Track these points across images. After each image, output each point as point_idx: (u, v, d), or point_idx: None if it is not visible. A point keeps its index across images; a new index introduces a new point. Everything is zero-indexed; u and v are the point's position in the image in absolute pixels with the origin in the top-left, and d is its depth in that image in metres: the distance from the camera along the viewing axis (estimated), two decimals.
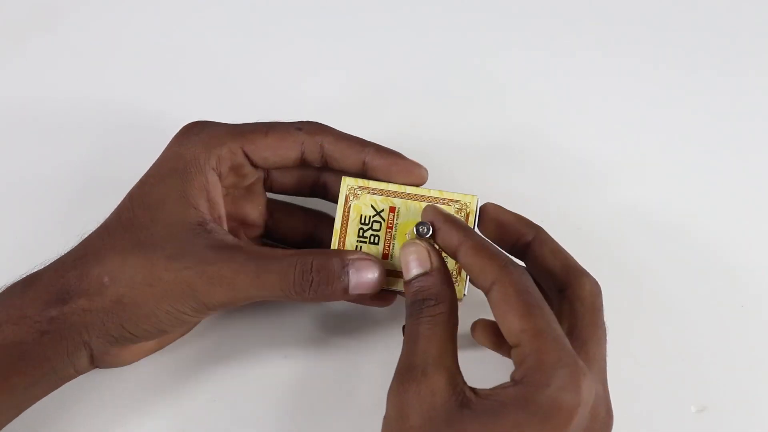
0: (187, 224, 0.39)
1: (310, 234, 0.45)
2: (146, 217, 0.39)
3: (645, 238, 0.49)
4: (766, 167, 0.51)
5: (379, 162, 0.41)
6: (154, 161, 0.41)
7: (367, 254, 0.40)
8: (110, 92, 0.53)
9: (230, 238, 0.39)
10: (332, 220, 0.42)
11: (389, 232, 0.41)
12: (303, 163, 0.41)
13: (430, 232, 0.39)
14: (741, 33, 0.54)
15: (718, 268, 0.48)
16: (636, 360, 0.46)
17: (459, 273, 0.41)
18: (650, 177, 0.50)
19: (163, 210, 0.39)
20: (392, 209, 0.41)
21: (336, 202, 0.42)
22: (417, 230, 0.39)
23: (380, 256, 0.41)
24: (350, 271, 0.38)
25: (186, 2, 0.56)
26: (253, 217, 0.44)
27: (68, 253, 0.40)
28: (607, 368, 0.38)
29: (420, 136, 0.50)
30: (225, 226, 0.41)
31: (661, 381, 0.46)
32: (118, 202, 0.41)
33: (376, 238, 0.41)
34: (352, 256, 0.39)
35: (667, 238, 0.49)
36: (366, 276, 0.39)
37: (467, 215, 0.41)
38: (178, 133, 0.41)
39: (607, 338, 0.39)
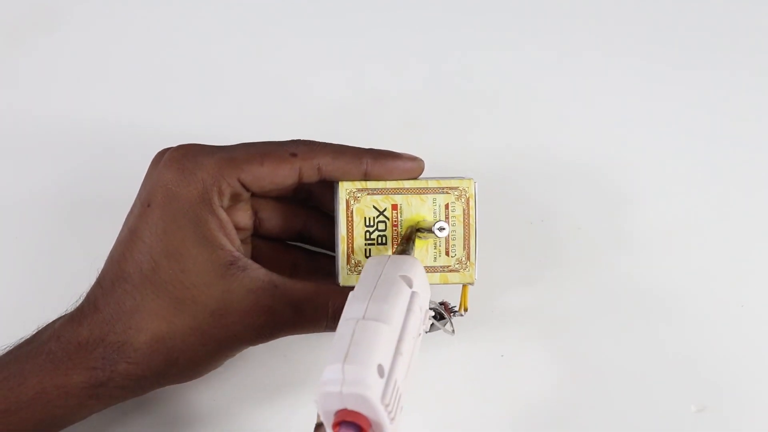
0: (219, 267, 0.39)
1: (298, 231, 0.45)
2: (174, 268, 0.38)
3: (645, 238, 0.49)
4: (767, 166, 0.51)
5: (380, 170, 0.41)
6: (144, 195, 0.40)
7: None
8: (106, 99, 0.53)
9: (263, 274, 0.39)
10: (319, 211, 0.44)
11: (395, 230, 0.41)
12: (300, 183, 0.41)
13: (448, 231, 0.40)
14: (743, 32, 0.54)
15: (718, 268, 0.48)
16: (636, 360, 0.46)
17: (468, 258, 0.41)
18: (651, 176, 0.50)
19: (189, 258, 0.39)
20: (394, 206, 0.41)
21: (320, 204, 0.44)
22: (436, 232, 0.40)
23: None
24: None
25: (186, 5, 0.56)
26: (243, 223, 0.43)
27: (94, 306, 0.39)
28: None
29: (417, 137, 0.50)
30: (242, 250, 0.41)
31: (661, 381, 0.46)
32: (111, 211, 0.41)
33: (384, 238, 0.41)
34: None
35: (668, 238, 0.49)
36: None
37: (467, 200, 0.41)
38: (166, 168, 0.40)
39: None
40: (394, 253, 0.40)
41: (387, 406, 0.30)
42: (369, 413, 0.30)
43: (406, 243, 0.40)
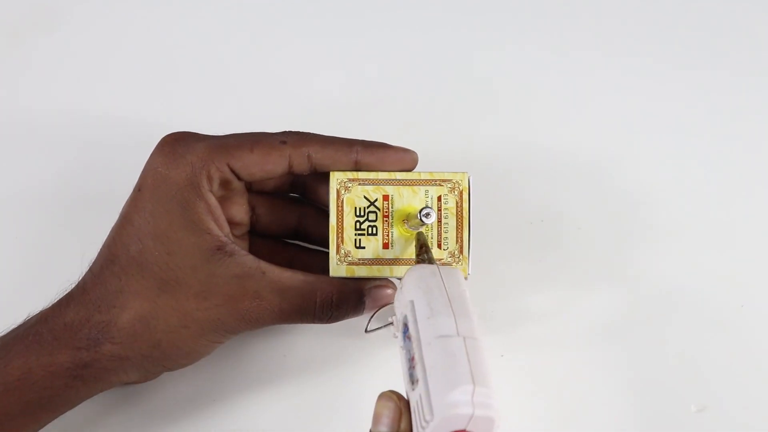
0: (206, 252, 0.39)
1: (294, 227, 0.45)
2: (160, 250, 0.39)
3: (645, 238, 0.49)
4: (766, 166, 0.51)
5: (370, 159, 0.41)
6: (138, 181, 0.41)
7: (383, 281, 0.41)
8: (107, 99, 0.53)
9: (250, 260, 0.40)
10: (315, 208, 0.44)
11: (386, 220, 0.41)
12: (291, 173, 0.41)
13: (434, 217, 0.39)
14: (744, 32, 0.54)
15: (718, 268, 0.48)
16: (636, 360, 0.46)
17: (461, 251, 0.41)
18: (651, 176, 0.50)
19: (176, 241, 0.39)
20: (386, 197, 0.41)
21: (315, 199, 0.44)
22: (422, 218, 0.39)
23: (381, 246, 0.41)
24: (366, 300, 0.41)
25: (185, 5, 0.56)
26: (239, 217, 0.43)
27: (83, 289, 0.40)
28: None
29: (417, 136, 0.50)
30: (232, 238, 0.41)
31: (661, 381, 0.46)
32: (111, 210, 0.41)
33: (374, 229, 0.41)
34: (369, 285, 0.41)
35: (668, 238, 0.49)
36: (380, 301, 0.41)
37: (461, 192, 0.41)
38: (158, 152, 0.40)
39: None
40: (417, 262, 0.40)
41: (499, 427, 0.31)
42: None
43: (428, 251, 0.40)
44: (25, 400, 0.38)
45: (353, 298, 0.41)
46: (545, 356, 0.46)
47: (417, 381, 0.33)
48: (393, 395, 0.34)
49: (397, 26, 0.54)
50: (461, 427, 0.31)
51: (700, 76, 0.53)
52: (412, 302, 0.35)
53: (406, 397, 0.34)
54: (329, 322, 0.41)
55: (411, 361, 0.34)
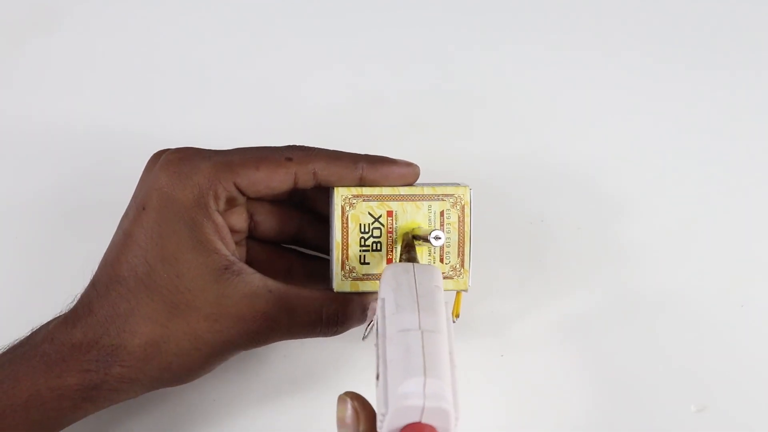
0: (214, 272, 0.39)
1: (293, 234, 0.45)
2: (169, 273, 0.39)
3: (645, 238, 0.49)
4: (766, 166, 0.51)
5: (375, 175, 0.41)
6: (140, 198, 0.40)
7: None
8: (105, 101, 0.53)
9: (257, 279, 0.40)
10: (314, 215, 0.44)
11: (390, 236, 0.41)
12: (295, 188, 0.41)
13: (443, 240, 0.39)
14: (743, 31, 0.54)
15: (718, 269, 0.48)
16: (636, 360, 0.46)
17: (462, 265, 0.41)
18: (650, 176, 0.50)
19: (184, 262, 0.39)
20: (389, 213, 0.41)
21: (314, 208, 0.44)
22: (431, 241, 0.39)
23: (385, 262, 0.41)
24: (369, 313, 0.41)
25: (186, 6, 0.55)
26: (238, 226, 0.43)
27: (88, 309, 0.39)
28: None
29: (416, 139, 0.50)
30: (237, 255, 0.41)
31: (661, 381, 0.46)
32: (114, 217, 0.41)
33: (379, 245, 0.41)
34: (373, 298, 0.41)
35: (667, 238, 0.49)
36: None
37: (462, 207, 0.41)
38: (162, 171, 0.40)
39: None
40: (401, 261, 0.40)
41: (456, 419, 0.31)
42: (442, 426, 0.30)
43: (411, 250, 0.40)
44: (32, 420, 0.38)
45: (357, 312, 0.41)
46: (545, 356, 0.46)
47: (379, 376, 0.33)
48: (347, 397, 0.34)
49: (396, 27, 0.54)
50: (414, 420, 0.30)
51: (699, 77, 0.52)
52: (383, 300, 0.35)
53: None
54: (334, 335, 0.41)
55: (378, 357, 0.34)
